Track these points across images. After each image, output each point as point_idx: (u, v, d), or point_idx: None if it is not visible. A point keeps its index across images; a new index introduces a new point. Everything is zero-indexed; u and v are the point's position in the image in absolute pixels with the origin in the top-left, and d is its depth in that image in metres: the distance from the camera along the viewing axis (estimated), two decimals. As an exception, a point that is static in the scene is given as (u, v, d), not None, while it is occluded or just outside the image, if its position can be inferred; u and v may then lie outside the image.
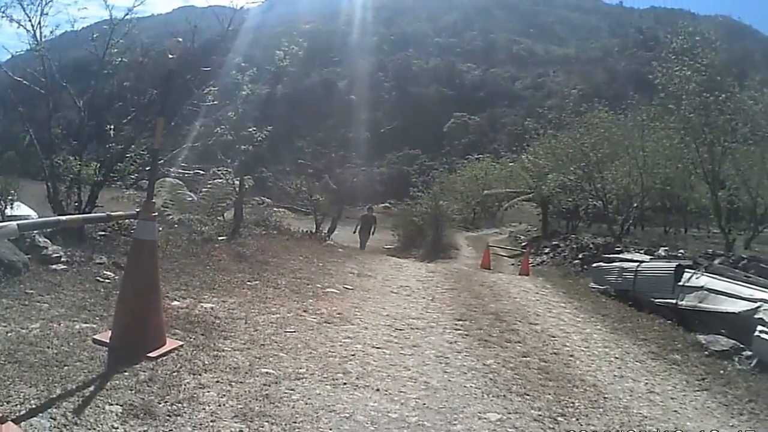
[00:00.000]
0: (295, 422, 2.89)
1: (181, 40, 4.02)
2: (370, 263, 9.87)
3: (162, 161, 7.50)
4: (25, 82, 6.57)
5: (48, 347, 3.33)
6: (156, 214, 3.64)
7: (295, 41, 10.34)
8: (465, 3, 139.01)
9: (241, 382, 3.29)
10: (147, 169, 7.47)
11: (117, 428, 2.56)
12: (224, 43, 8.41)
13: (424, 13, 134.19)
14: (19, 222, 2.86)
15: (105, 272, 5.34)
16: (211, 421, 2.75)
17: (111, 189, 7.83)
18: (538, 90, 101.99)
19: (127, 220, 6.85)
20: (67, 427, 2.51)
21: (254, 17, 8.77)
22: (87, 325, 3.86)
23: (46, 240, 5.50)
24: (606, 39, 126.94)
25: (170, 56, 3.43)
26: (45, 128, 6.70)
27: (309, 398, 3.23)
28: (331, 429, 2.90)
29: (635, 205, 15.93)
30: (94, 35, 7.03)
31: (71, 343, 3.46)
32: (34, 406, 2.63)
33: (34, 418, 2.53)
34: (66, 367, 3.10)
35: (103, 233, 6.70)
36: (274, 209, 14.97)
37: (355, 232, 17.41)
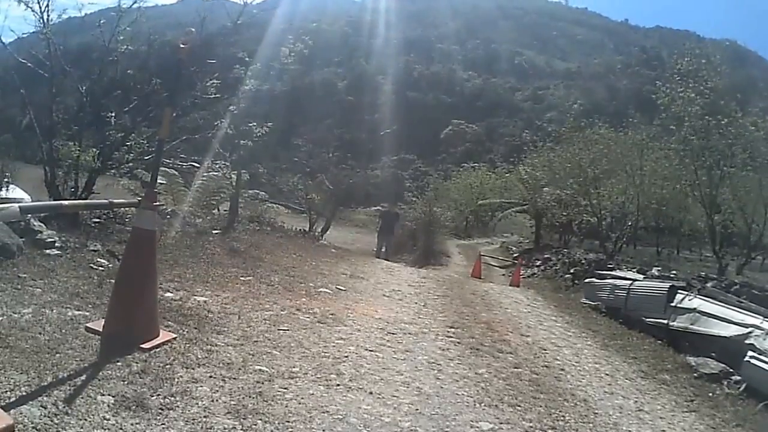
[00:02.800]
0: (288, 421, 2.87)
1: (193, 30, 3.99)
2: (363, 265, 9.84)
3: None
4: (29, 64, 6.51)
5: (40, 333, 3.28)
6: (158, 203, 3.60)
7: (301, 39, 10.33)
8: (469, 11, 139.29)
9: (234, 378, 3.26)
10: (146, 158, 7.46)
11: (108, 420, 2.52)
12: (229, 37, 8.38)
13: (428, 19, 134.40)
14: (21, 204, 2.82)
15: (99, 260, 5.29)
16: (204, 417, 2.71)
17: (105, 177, 7.77)
18: (537, 102, 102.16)
19: (122, 209, 6.85)
20: (58, 417, 2.46)
21: (260, 13, 8.72)
22: (80, 312, 3.81)
23: (41, 224, 5.44)
24: (609, 56, 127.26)
25: (181, 46, 3.40)
26: (46, 112, 6.64)
27: (302, 398, 3.21)
28: (324, 430, 2.88)
29: (629, 223, 15.98)
30: (101, 21, 6.98)
31: (63, 330, 3.41)
32: (24, 394, 2.58)
33: (24, 406, 2.48)
34: (58, 355, 3.06)
35: (97, 220, 6.65)
36: (268, 204, 14.95)
37: (377, 232, 15.80)
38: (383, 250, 15.42)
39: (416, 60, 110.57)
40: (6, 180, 7.24)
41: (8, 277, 4.21)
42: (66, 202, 3.89)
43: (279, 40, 10.69)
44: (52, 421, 2.42)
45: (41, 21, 6.57)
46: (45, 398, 2.58)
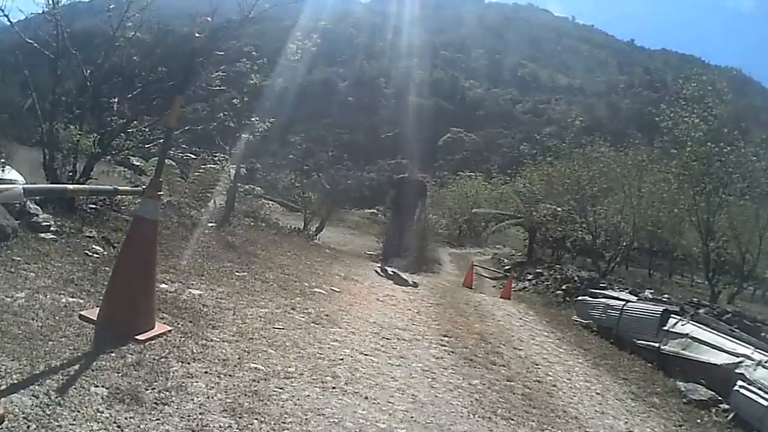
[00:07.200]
0: (284, 422, 2.82)
1: (209, 19, 3.94)
2: (356, 268, 9.80)
3: (161, 140, 7.39)
4: (35, 44, 6.43)
5: (33, 319, 3.22)
6: (162, 193, 3.55)
7: (310, 37, 10.28)
8: (475, 20, 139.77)
9: (230, 375, 3.21)
10: (146, 146, 7.40)
11: (102, 412, 2.46)
12: (236, 30, 8.33)
13: (434, 25, 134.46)
14: (25, 186, 2.76)
15: (94, 246, 5.22)
16: (200, 414, 2.66)
17: (100, 163, 7.70)
18: (538, 116, 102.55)
19: (117, 196, 6.78)
20: (50, 407, 2.40)
21: (272, 8, 8.65)
22: (74, 299, 3.75)
23: (36, 207, 5.36)
24: (613, 75, 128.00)
25: (197, 35, 3.35)
26: (48, 94, 6.56)
27: (298, 399, 3.17)
28: (319, 434, 2.84)
29: (624, 243, 15.94)
30: (111, 6, 6.91)
31: (57, 317, 3.35)
32: (15, 382, 2.52)
33: (15, 395, 2.42)
34: (51, 342, 3.00)
35: (93, 206, 6.57)
36: (263, 200, 14.86)
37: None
38: (393, 250, 10.69)
39: (419, 65, 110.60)
40: (2, 160, 7.12)
41: (2, 259, 4.15)
42: (71, 186, 3.83)
43: (285, 36, 10.62)
44: (44, 411, 2.36)
45: (50, 2, 6.49)
46: (37, 387, 2.52)
